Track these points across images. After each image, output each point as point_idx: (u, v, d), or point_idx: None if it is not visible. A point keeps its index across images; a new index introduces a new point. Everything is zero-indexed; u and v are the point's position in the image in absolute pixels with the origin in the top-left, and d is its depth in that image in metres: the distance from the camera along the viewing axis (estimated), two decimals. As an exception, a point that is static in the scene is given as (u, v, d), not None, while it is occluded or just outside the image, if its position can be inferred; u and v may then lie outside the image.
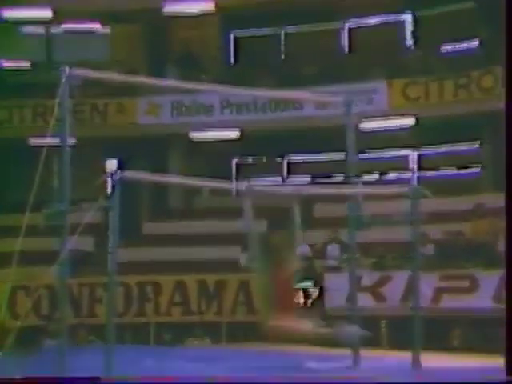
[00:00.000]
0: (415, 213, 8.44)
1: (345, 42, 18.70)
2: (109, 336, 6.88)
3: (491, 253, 13.45)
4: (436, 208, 13.46)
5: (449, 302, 12.55)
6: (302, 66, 18.30)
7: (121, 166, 17.74)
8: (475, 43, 16.85)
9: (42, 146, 7.47)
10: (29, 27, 19.31)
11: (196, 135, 17.63)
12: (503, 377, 4.67)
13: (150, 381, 5.74)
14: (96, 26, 19.33)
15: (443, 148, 17.31)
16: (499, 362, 8.74)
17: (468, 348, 11.51)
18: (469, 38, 16.91)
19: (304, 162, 18.86)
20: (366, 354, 8.51)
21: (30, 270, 12.06)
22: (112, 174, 7.00)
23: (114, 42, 19.45)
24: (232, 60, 19.39)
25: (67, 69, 7.21)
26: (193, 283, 14.32)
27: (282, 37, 19.18)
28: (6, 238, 12.46)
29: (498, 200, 14.23)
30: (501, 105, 16.22)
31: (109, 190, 7.14)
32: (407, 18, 18.17)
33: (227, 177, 17.96)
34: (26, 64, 19.19)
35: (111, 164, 17.14)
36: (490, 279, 12.42)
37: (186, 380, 5.77)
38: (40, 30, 19.51)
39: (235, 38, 19.25)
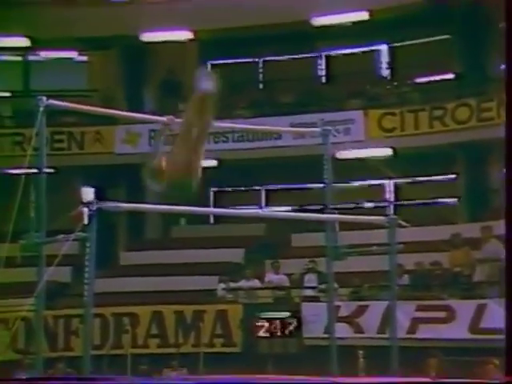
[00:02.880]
0: (392, 242, 8.46)
1: (322, 71, 18.88)
2: (85, 368, 6.81)
3: (467, 283, 13.52)
4: (412, 238, 13.52)
5: (425, 331, 12.56)
6: (280, 95, 18.41)
7: (98, 195, 17.71)
8: (450, 75, 17.08)
9: (20, 175, 7.42)
10: (5, 55, 19.29)
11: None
12: (503, 377, 4.67)
13: (148, 381, 5.63)
14: (73, 54, 19.38)
15: (419, 178, 17.46)
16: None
17: (445, 378, 11.50)
18: (444, 70, 17.15)
19: (282, 191, 18.92)
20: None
21: (7, 302, 11.92)
22: (89, 204, 6.92)
23: (92, 70, 19.48)
24: (210, 88, 19.45)
25: (44, 99, 7.19)
26: (170, 314, 14.24)
27: (261, 65, 19.33)
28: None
29: (473, 230, 14.43)
30: (475, 136, 16.48)
31: (86, 220, 7.06)
32: (383, 48, 18.41)
33: (205, 206, 17.99)
34: (3, 93, 19.17)
35: (88, 193, 17.07)
36: (467, 309, 12.46)
37: (184, 381, 5.66)
38: (17, 58, 19.51)
39: (213, 66, 19.36)
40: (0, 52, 18.92)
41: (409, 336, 12.19)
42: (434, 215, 16.68)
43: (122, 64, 18.74)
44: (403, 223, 8.69)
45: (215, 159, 17.25)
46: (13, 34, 17.72)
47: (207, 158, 19.79)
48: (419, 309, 12.78)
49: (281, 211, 18.25)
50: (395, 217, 8.95)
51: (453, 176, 16.99)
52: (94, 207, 6.81)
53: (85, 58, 19.48)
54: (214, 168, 17.46)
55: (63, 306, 14.36)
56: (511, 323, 4.63)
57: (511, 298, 4.68)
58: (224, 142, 17.04)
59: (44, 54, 19.36)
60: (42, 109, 7.08)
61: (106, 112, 9.37)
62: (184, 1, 17.51)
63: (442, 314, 12.66)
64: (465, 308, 12.51)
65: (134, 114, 11.72)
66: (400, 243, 8.66)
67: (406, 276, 13.59)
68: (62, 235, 7.01)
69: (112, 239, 17.39)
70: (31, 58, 19.55)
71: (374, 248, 9.15)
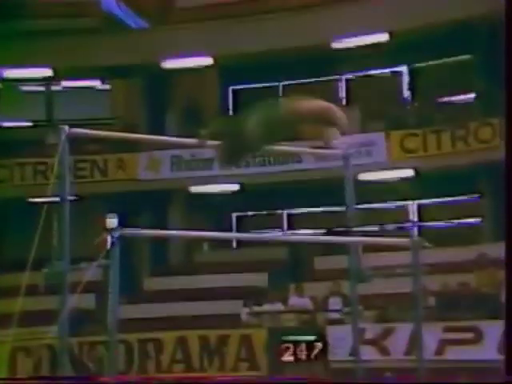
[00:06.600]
0: (416, 264, 8.40)
1: (342, 93, 18.88)
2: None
3: (495, 303, 13.36)
4: (438, 259, 13.41)
5: (453, 353, 12.43)
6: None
7: (121, 222, 17.80)
8: (472, 95, 16.99)
9: (43, 203, 7.45)
10: (29, 85, 19.52)
11: (196, 189, 17.68)
12: (503, 377, 4.63)
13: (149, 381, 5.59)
14: (96, 83, 19.56)
15: (443, 199, 17.36)
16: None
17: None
18: (466, 90, 17.07)
19: (304, 215, 18.89)
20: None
21: (30, 331, 11.95)
22: (112, 231, 6.93)
23: (114, 98, 19.64)
24: (231, 113, 19.55)
25: (66, 128, 7.23)
26: (195, 339, 14.21)
27: (280, 89, 19.38)
28: (6, 298, 12.42)
29: (499, 250, 14.27)
30: (499, 156, 16.30)
31: (109, 247, 7.07)
32: (403, 69, 18.39)
33: (228, 231, 17.98)
34: (26, 122, 19.40)
35: (111, 219, 17.16)
36: (494, 330, 12.31)
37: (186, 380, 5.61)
38: (40, 88, 19.72)
39: (234, 92, 19.44)
40: (23, 82, 19.16)
41: (436, 358, 12.06)
42: (458, 236, 16.56)
43: (143, 91, 18.89)
44: (427, 244, 8.62)
45: (237, 184, 17.30)
46: (35, 65, 17.93)
47: (229, 182, 19.91)
48: (446, 330, 12.65)
49: (303, 235, 18.24)
50: (419, 238, 8.88)
51: (477, 196, 16.87)
52: (117, 234, 6.82)
53: (107, 87, 19.65)
54: (235, 193, 17.52)
55: (88, 332, 14.37)
56: (511, 323, 4.61)
57: (510, 299, 4.67)
58: (245, 166, 17.06)
59: (66, 84, 19.57)
60: (63, 138, 7.11)
61: (128, 137, 9.39)
62: (203, 27, 17.64)
63: (469, 336, 12.52)
64: (493, 329, 12.35)
65: (159, 137, 11.70)
66: (425, 265, 8.59)
67: (432, 297, 13.47)
68: (85, 263, 7.03)
69: (135, 265, 17.43)
70: (54, 87, 19.76)
71: (398, 270, 9.11)
